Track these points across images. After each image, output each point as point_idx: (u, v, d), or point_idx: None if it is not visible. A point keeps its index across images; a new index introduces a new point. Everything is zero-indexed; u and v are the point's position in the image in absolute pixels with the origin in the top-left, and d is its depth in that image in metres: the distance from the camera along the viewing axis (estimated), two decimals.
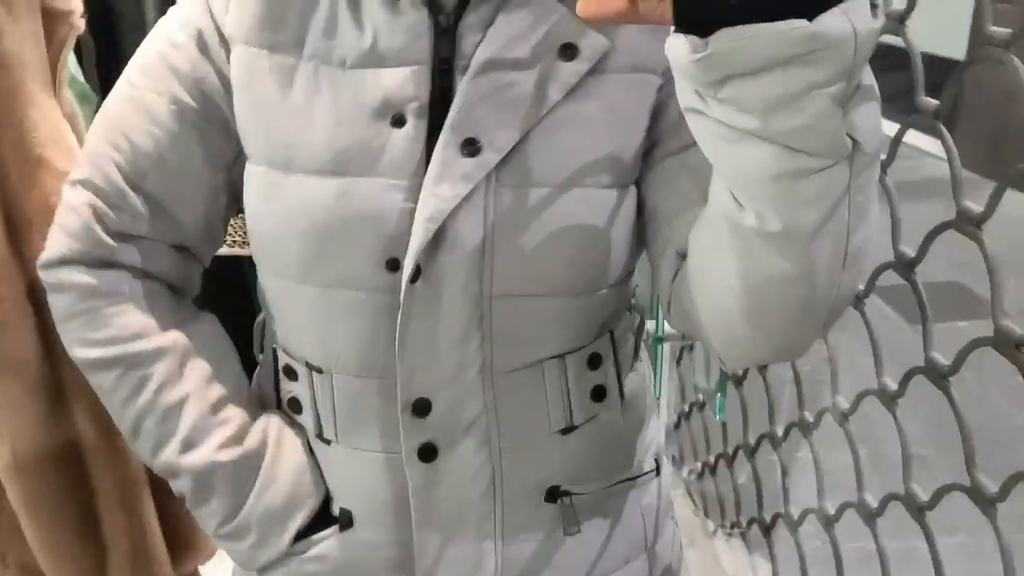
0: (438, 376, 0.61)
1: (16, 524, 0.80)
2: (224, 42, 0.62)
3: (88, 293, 0.63)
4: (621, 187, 0.60)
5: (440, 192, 0.57)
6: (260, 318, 0.74)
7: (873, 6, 0.41)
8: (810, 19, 0.39)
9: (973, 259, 0.72)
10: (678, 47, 0.42)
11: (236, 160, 0.64)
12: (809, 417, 1.03)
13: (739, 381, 1.22)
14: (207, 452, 0.64)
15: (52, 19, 0.79)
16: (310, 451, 0.67)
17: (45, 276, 0.64)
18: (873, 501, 0.91)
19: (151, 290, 0.66)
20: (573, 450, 0.66)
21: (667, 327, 1.18)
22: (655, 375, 1.30)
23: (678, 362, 1.44)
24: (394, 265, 0.58)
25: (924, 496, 0.81)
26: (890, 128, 0.66)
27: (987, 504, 0.72)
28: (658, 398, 1.30)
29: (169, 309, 0.66)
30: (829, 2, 0.39)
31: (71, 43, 0.82)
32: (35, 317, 0.73)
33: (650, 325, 1.18)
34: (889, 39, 0.69)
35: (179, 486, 0.66)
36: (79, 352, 0.64)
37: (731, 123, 0.44)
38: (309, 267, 0.61)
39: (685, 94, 0.45)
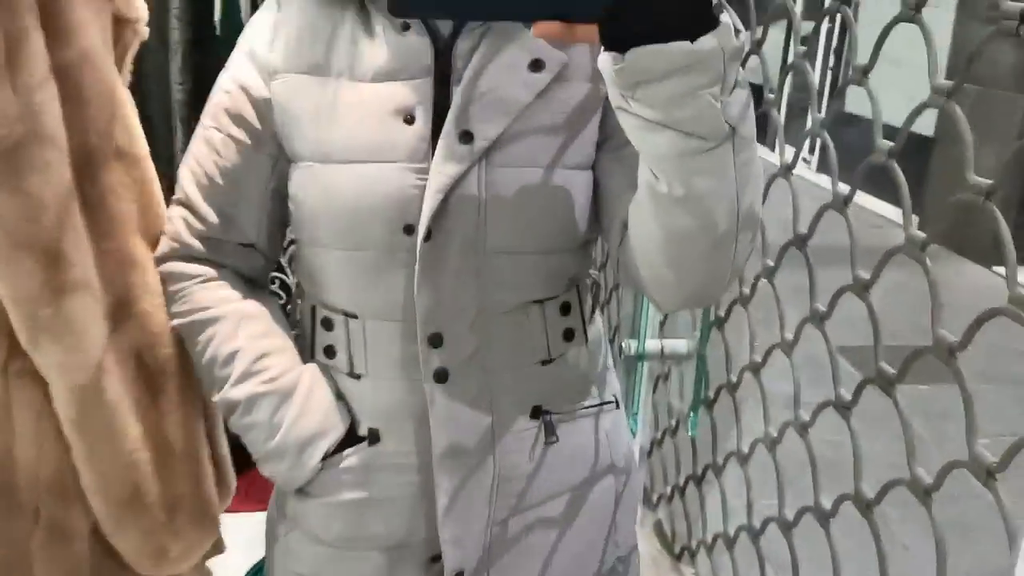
0: (447, 315, 0.79)
1: (55, 479, 0.87)
2: (265, 78, 0.82)
3: (180, 278, 0.86)
4: (581, 169, 0.80)
5: (445, 171, 0.76)
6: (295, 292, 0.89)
7: (737, 31, 0.60)
8: (692, 41, 0.57)
9: None
10: (605, 60, 0.60)
11: (274, 170, 0.84)
12: (774, 432, 1.13)
13: (710, 404, 1.31)
14: (251, 387, 0.82)
15: (120, 25, 0.90)
16: (337, 394, 0.85)
17: (159, 270, 0.87)
18: (827, 503, 1.00)
19: (223, 276, 0.87)
20: (550, 378, 0.85)
21: (648, 346, 1.28)
22: (634, 392, 1.39)
23: (654, 390, 1.53)
24: (410, 230, 0.76)
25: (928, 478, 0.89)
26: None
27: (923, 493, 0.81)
28: (635, 415, 1.39)
29: (234, 289, 0.87)
30: (707, 28, 0.58)
31: (134, 49, 0.92)
32: (100, 280, 0.83)
33: (632, 344, 1.28)
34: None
35: (232, 420, 0.84)
36: (175, 322, 0.86)
37: (644, 116, 0.61)
38: (344, 235, 0.79)
39: (613, 96, 0.62)
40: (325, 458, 0.83)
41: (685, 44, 0.57)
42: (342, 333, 0.83)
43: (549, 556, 0.87)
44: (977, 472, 0.73)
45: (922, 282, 0.81)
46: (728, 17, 0.64)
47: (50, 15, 0.79)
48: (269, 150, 0.83)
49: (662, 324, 1.42)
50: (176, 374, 0.92)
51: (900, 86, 1.35)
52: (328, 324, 0.84)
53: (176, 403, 0.93)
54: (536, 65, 0.78)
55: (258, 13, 0.87)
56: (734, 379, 1.21)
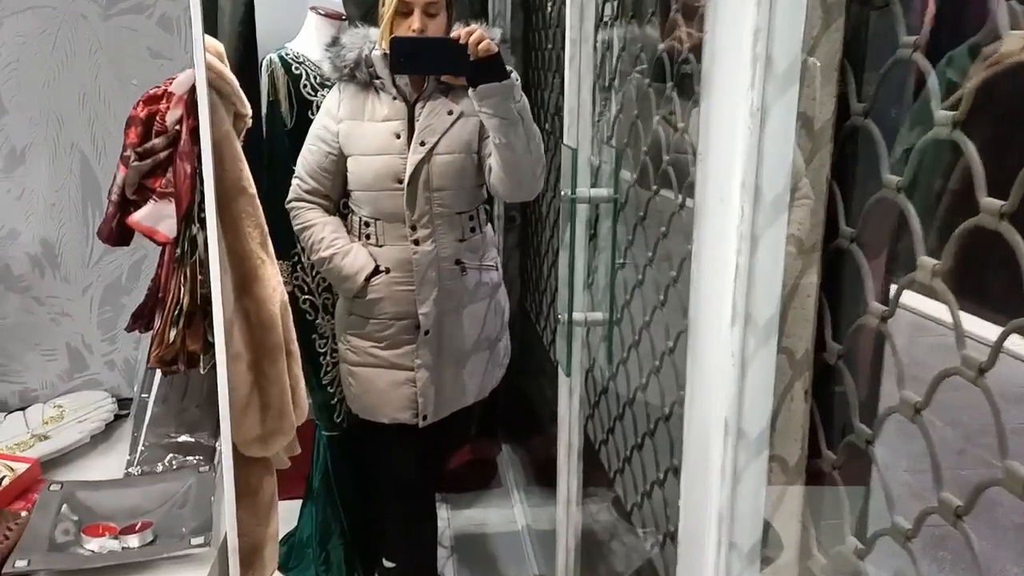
0: (419, 215, 1.96)
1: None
2: (335, 121, 2.02)
3: (298, 210, 2.07)
4: (472, 152, 1.99)
5: (413, 158, 1.95)
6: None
7: (517, 78, 1.86)
8: (500, 81, 1.76)
9: None
10: (472, 92, 1.81)
11: (339, 159, 2.01)
12: (656, 364, 1.67)
13: (623, 361, 1.86)
14: (330, 251, 2.01)
15: (237, 118, 1.48)
16: (370, 255, 2.01)
17: (288, 205, 2.08)
18: None
19: (315, 207, 2.06)
20: (464, 248, 2.03)
21: (575, 317, 1.83)
22: (570, 353, 1.94)
23: (583, 347, 2.07)
24: (400, 181, 1.95)
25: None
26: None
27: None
28: (569, 364, 1.93)
29: (323, 214, 2.06)
30: (505, 76, 1.77)
31: (243, 134, 1.51)
32: (232, 267, 1.38)
33: (565, 316, 1.85)
34: None
35: (323, 269, 2.06)
36: (296, 231, 2.08)
37: (487, 111, 1.82)
38: (370, 184, 1.98)
39: (476, 106, 1.82)
40: (367, 280, 1.97)
41: (498, 82, 1.74)
42: (372, 227, 1.99)
43: (461, 324, 2.05)
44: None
45: None
46: (515, 72, 1.84)
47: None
48: (337, 152, 1.99)
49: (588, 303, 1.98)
50: (270, 328, 1.46)
51: None
52: (366, 223, 2.00)
53: (269, 347, 1.47)
54: (451, 112, 1.94)
55: (328, 97, 2.04)
56: (636, 338, 1.77)
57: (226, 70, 1.40)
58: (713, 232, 0.91)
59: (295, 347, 1.51)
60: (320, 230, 1.99)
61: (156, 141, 1.21)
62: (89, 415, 1.46)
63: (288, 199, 2.05)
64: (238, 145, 1.43)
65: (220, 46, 1.41)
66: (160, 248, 1.26)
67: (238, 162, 1.41)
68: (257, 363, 1.44)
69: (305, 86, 2.18)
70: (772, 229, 0.89)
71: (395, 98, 1.95)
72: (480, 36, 1.70)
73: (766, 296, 0.90)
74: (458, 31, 1.73)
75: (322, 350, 2.34)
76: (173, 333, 1.21)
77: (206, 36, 1.40)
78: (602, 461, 2.04)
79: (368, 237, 2.00)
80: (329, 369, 2.34)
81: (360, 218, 2.02)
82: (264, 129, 2.19)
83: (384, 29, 1.89)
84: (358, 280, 1.96)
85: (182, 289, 1.20)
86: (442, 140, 1.93)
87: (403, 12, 1.85)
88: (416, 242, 1.96)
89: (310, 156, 2.01)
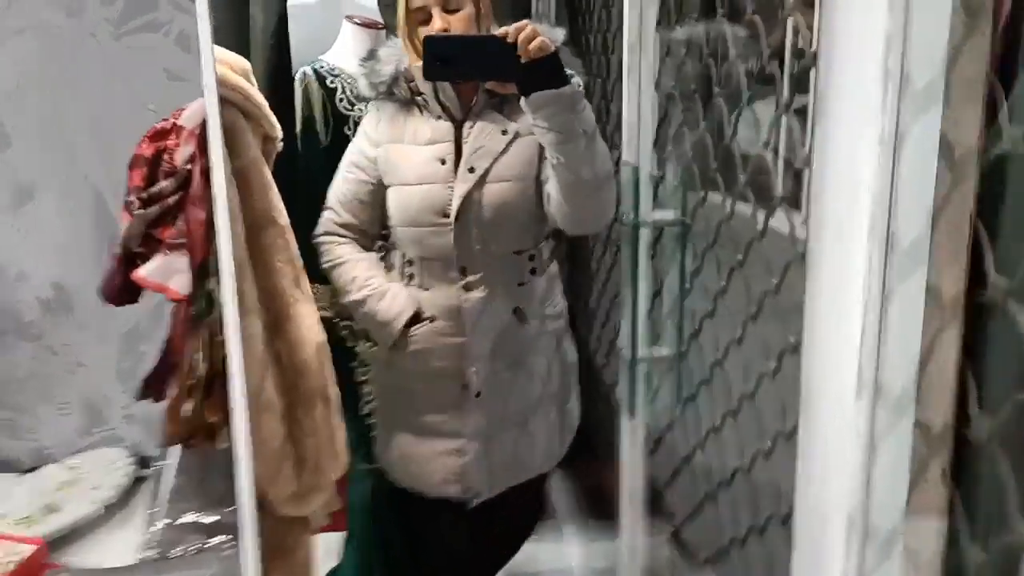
0: (469, 254, 1.59)
1: None
2: (372, 146, 1.65)
3: (327, 245, 1.70)
4: (530, 179, 1.59)
5: (462, 188, 1.57)
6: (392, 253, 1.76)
7: (579, 85, 1.49)
8: (557, 88, 1.39)
9: None
10: (523, 101, 1.42)
11: (377, 189, 1.65)
12: (735, 406, 1.51)
13: (691, 398, 1.69)
14: (365, 292, 1.65)
15: (267, 141, 1.35)
16: (412, 298, 1.65)
17: (315, 241, 1.71)
18: None
19: (350, 243, 1.70)
20: (523, 294, 1.66)
21: (640, 352, 1.67)
22: (633, 389, 1.78)
23: (647, 386, 1.91)
24: (446, 215, 1.57)
25: None
26: None
27: None
28: (633, 406, 1.77)
29: (357, 250, 1.70)
30: (564, 83, 1.40)
31: (273, 156, 1.38)
32: (262, 307, 1.25)
33: (628, 351, 1.68)
34: None
35: (357, 313, 1.68)
36: (324, 266, 1.70)
37: (541, 126, 1.43)
38: (412, 217, 1.60)
39: (530, 118, 1.44)
40: (407, 327, 1.62)
41: (554, 90, 1.39)
42: (416, 267, 1.64)
43: (519, 383, 1.70)
44: None
45: None
46: (577, 78, 1.50)
47: (230, 138, 1.25)
48: (375, 181, 1.65)
49: (652, 336, 1.81)
50: (305, 373, 1.33)
51: None
52: (409, 262, 1.66)
53: (304, 393, 1.34)
54: (505, 132, 1.59)
55: (365, 117, 1.71)
56: (707, 375, 1.60)
57: (253, 90, 1.27)
58: (831, 284, 0.75)
59: (333, 391, 1.38)
60: (352, 268, 1.66)
61: (164, 184, 1.07)
62: (104, 481, 1.34)
63: (316, 232, 1.71)
64: (267, 172, 1.30)
65: (246, 64, 1.28)
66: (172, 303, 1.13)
67: (267, 191, 1.28)
68: (291, 412, 1.31)
69: (341, 100, 2.05)
70: (909, 282, 0.72)
71: (439, 117, 1.60)
72: (532, 32, 1.38)
73: (900, 362, 0.74)
74: (506, 28, 1.41)
75: (363, 379, 2.21)
76: (189, 407, 1.07)
77: (230, 54, 1.27)
78: (664, 500, 1.88)
79: (411, 278, 1.67)
80: (371, 399, 2.21)
81: (403, 255, 1.68)
82: (299, 146, 2.07)
83: (404, 41, 1.59)
84: (396, 327, 1.62)
85: (199, 354, 1.07)
86: (495, 165, 1.57)
87: (420, 20, 1.55)
88: (466, 287, 1.61)
89: (344, 185, 1.69)
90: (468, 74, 1.46)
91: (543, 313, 1.70)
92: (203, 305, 1.07)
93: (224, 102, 1.21)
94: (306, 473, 1.31)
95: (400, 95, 1.62)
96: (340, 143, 1.96)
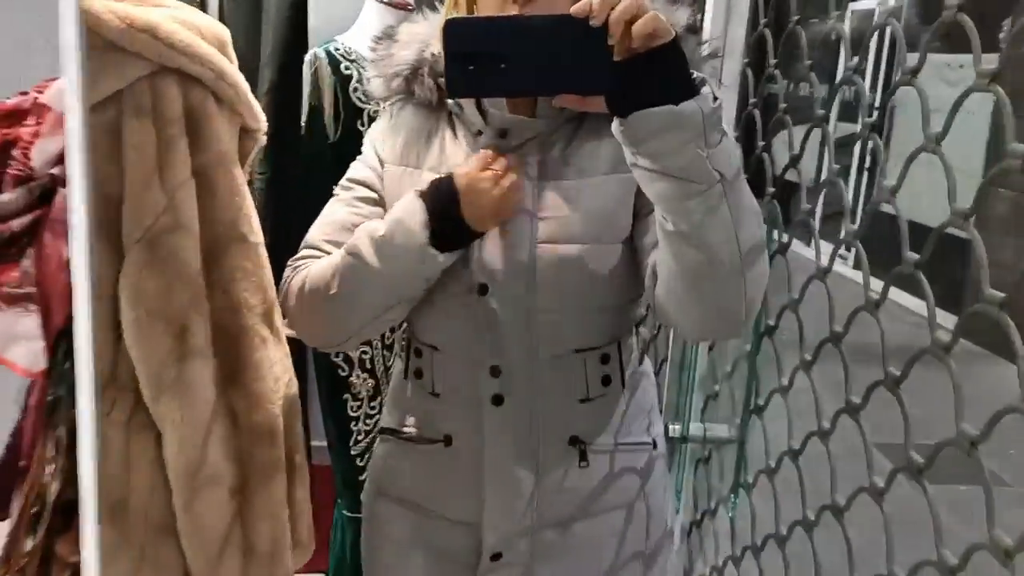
0: (505, 352, 0.99)
1: (162, 522, 0.97)
2: (380, 163, 1.08)
3: (293, 269, 1.03)
4: (615, 243, 0.98)
5: (509, 248, 0.98)
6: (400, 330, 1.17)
7: (715, 98, 0.77)
8: (676, 104, 0.74)
9: None
10: (615, 124, 0.78)
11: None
12: (811, 516, 1.19)
13: (749, 487, 1.38)
14: (360, 238, 0.99)
15: (245, 134, 1.05)
16: (421, 411, 1.08)
17: (286, 287, 1.02)
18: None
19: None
20: (588, 414, 1.04)
21: (691, 430, 1.37)
22: (677, 473, 1.47)
23: (695, 472, 1.60)
24: (483, 288, 0.98)
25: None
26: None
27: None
28: (678, 492, 1.46)
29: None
30: (689, 95, 0.74)
31: (253, 154, 1.08)
32: (213, 348, 0.95)
33: (676, 427, 1.37)
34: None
35: (375, 266, 0.98)
36: (306, 288, 0.99)
37: (646, 167, 0.78)
38: (430, 289, 1.00)
39: (627, 155, 0.80)
40: (432, 228, 0.95)
41: (671, 107, 0.75)
42: (427, 361, 1.06)
43: (572, 548, 1.05)
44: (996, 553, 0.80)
45: (969, 384, 0.88)
46: (709, 87, 0.79)
47: (194, 125, 0.95)
48: (380, 207, 1.06)
49: (703, 409, 1.50)
50: (266, 437, 1.03)
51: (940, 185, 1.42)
52: (419, 353, 1.07)
53: (263, 462, 1.04)
54: (581, 168, 0.98)
55: (377, 121, 1.12)
56: (772, 464, 1.29)
57: (230, 67, 0.97)
58: None
59: (301, 458, 1.08)
60: (331, 257, 1.01)
61: (9, 196, 0.71)
62: None
63: (286, 274, 1.04)
64: (239, 174, 1.00)
65: (222, 32, 0.98)
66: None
67: (235, 198, 0.98)
68: (243, 487, 1.01)
69: (355, 90, 1.74)
70: None
71: (478, 133, 1.00)
72: (637, 6, 0.75)
73: None
74: (586, 2, 0.77)
75: (355, 414, 1.90)
76: (29, 543, 0.75)
77: (201, 15, 0.98)
78: None
79: (419, 375, 1.07)
80: (360, 438, 1.90)
81: (407, 341, 1.10)
82: (305, 140, 1.77)
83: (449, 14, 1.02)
84: (416, 234, 0.94)
85: (51, 467, 0.74)
86: (558, 216, 0.97)
87: None
88: (498, 399, 1.01)
89: (335, 214, 1.07)
90: (517, 85, 0.82)
91: (617, 444, 1.06)
92: (62, 392, 0.72)
93: (188, 79, 0.92)
94: (255, 564, 1.01)
95: (423, 95, 1.02)
96: (352, 141, 1.63)
